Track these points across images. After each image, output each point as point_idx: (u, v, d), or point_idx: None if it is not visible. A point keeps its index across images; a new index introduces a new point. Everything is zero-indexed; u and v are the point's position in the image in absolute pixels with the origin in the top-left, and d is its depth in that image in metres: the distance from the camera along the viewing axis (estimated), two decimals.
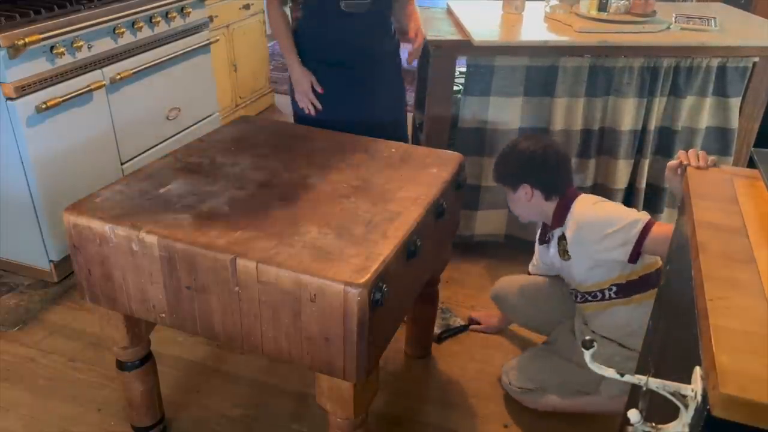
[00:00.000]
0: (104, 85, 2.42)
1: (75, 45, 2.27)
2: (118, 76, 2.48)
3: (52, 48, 2.19)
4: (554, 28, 2.50)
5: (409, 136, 2.34)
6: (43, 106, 2.18)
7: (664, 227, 1.56)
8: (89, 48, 2.35)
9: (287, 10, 2.21)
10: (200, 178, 1.57)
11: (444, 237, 1.73)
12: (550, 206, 1.74)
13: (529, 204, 1.76)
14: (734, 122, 2.46)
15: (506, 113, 2.41)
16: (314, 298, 1.21)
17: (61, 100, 2.23)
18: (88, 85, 2.35)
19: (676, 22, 2.52)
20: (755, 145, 2.52)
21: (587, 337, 0.89)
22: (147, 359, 1.66)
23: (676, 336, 1.03)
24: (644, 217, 1.59)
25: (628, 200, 2.59)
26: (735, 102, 2.43)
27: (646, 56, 2.33)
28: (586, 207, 1.69)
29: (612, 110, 2.43)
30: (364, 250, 1.27)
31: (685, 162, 1.27)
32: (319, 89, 2.11)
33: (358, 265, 1.22)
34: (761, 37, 2.40)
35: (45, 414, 1.86)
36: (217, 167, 1.63)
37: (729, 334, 0.76)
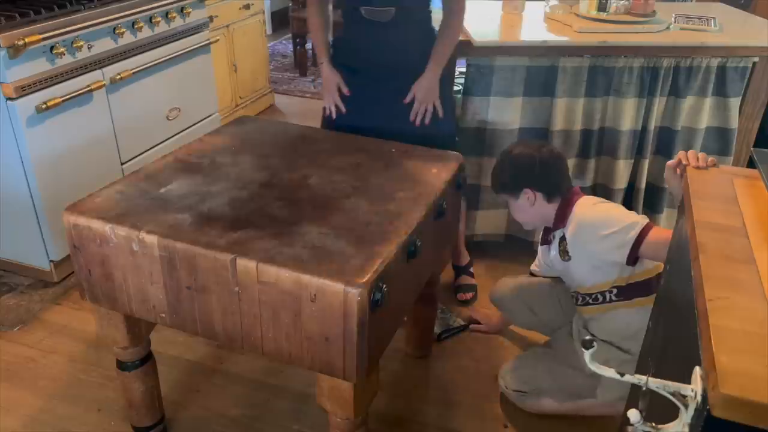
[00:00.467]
0: (104, 85, 2.42)
1: (75, 45, 2.27)
2: (118, 76, 2.48)
3: (52, 48, 2.19)
4: (554, 28, 2.50)
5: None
6: (43, 106, 2.18)
7: (662, 232, 1.55)
8: (89, 48, 2.35)
9: (330, 10, 2.15)
10: (200, 178, 1.57)
11: (444, 237, 1.73)
12: (552, 208, 1.75)
13: (532, 209, 1.76)
14: (734, 122, 2.46)
15: (506, 113, 2.41)
16: (314, 298, 1.21)
17: (61, 100, 2.23)
18: (88, 85, 2.35)
19: (675, 22, 2.52)
20: (755, 145, 2.52)
21: (587, 337, 0.89)
22: (147, 359, 1.66)
23: (675, 336, 1.03)
24: (642, 220, 1.58)
25: (628, 200, 2.59)
26: (735, 102, 2.43)
27: (646, 56, 2.33)
28: (587, 207, 1.69)
29: (612, 110, 2.43)
30: (364, 250, 1.27)
31: (685, 162, 1.27)
32: (345, 91, 2.06)
33: (358, 266, 1.22)
34: (761, 37, 2.40)
35: (45, 414, 1.86)
36: (217, 167, 1.63)
37: (729, 334, 0.76)
